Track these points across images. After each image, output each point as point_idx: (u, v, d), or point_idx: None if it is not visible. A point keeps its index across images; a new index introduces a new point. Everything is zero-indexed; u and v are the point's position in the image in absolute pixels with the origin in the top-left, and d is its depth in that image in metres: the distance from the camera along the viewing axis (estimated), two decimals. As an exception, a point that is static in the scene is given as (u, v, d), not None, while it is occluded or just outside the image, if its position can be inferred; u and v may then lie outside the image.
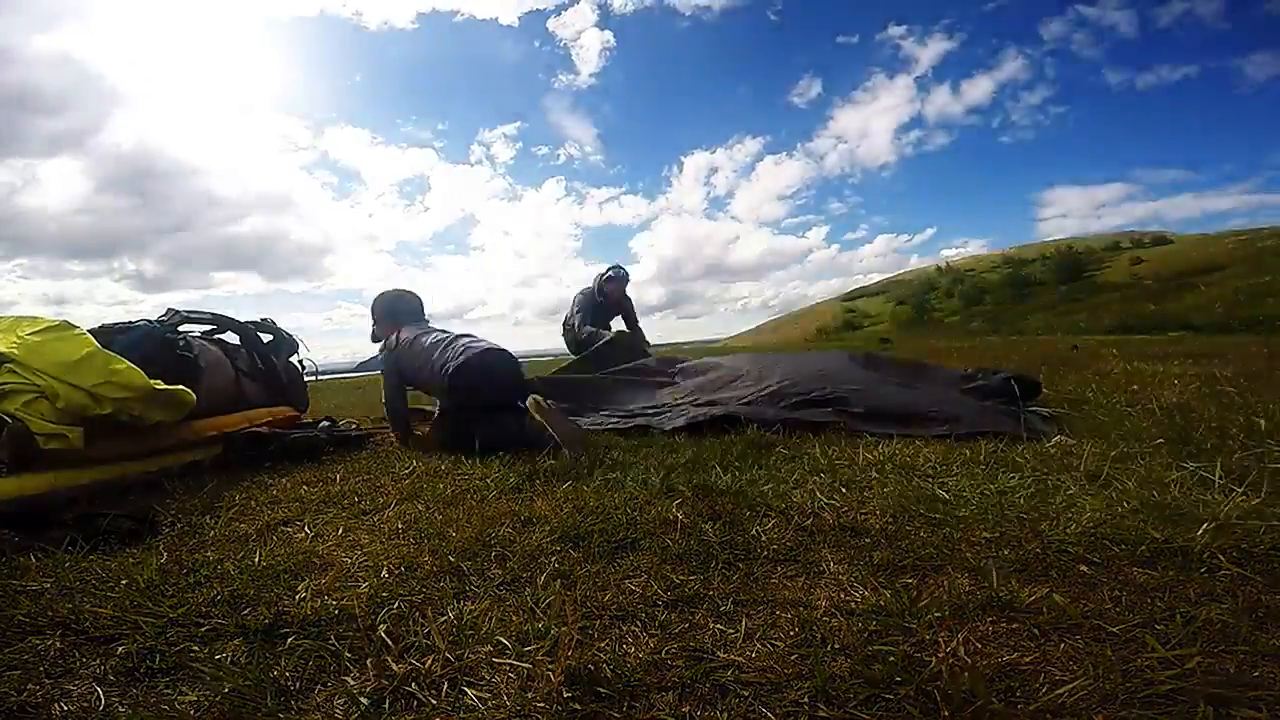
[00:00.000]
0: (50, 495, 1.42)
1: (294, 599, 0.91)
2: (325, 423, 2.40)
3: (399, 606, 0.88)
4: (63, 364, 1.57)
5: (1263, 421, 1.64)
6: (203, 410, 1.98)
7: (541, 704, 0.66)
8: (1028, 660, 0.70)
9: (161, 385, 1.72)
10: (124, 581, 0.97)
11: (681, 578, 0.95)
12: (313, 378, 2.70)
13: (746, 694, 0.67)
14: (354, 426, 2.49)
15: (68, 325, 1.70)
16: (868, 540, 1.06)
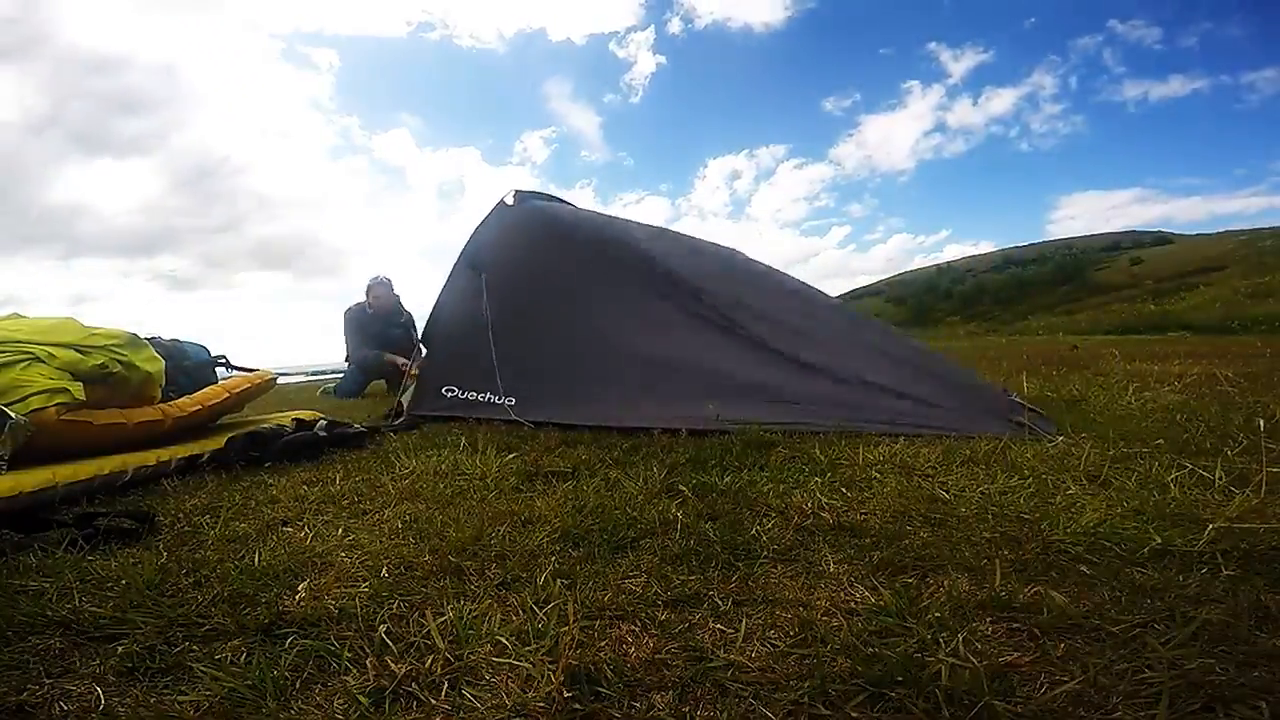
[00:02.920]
0: (50, 491, 1.43)
1: (294, 599, 0.91)
2: (324, 422, 2.41)
3: (399, 606, 0.88)
4: (42, 329, 1.68)
5: (1263, 422, 1.64)
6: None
7: (541, 704, 0.66)
8: (1028, 660, 0.70)
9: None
10: (124, 581, 0.97)
11: (681, 578, 0.95)
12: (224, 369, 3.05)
13: (746, 694, 0.67)
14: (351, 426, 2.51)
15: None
16: (868, 540, 1.06)
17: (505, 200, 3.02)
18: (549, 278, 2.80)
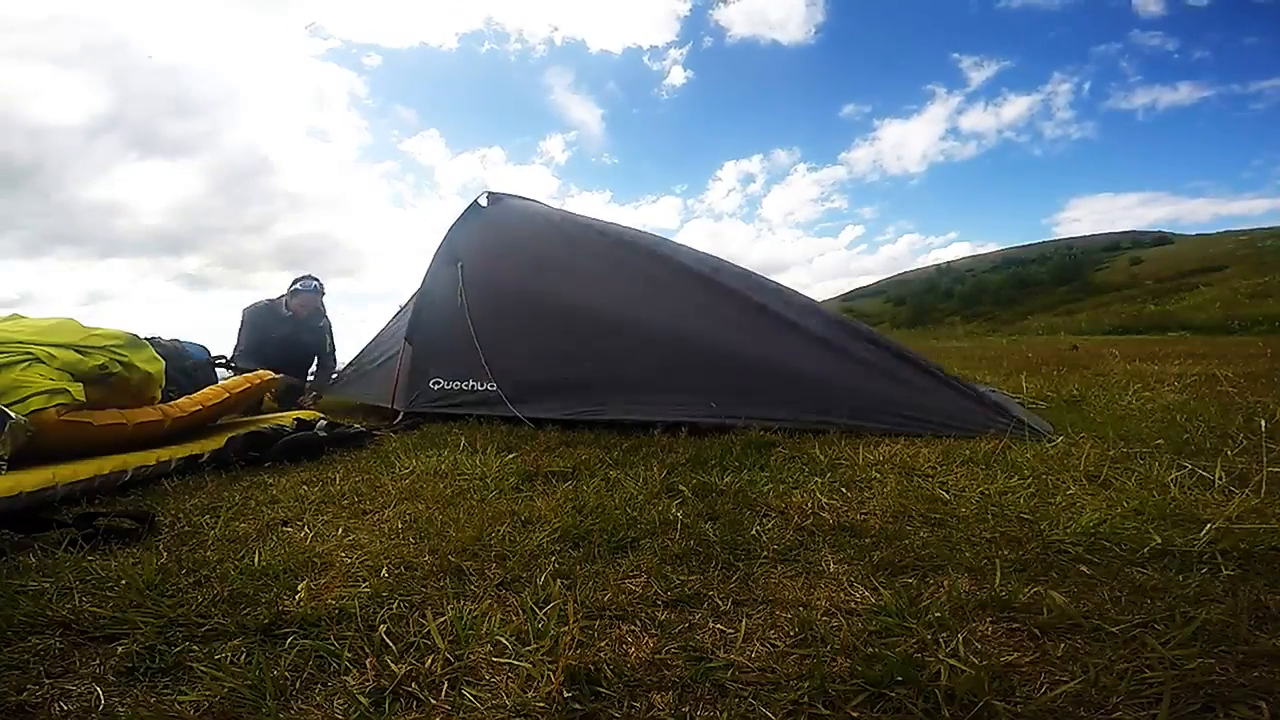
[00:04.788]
0: (50, 491, 1.43)
1: (294, 599, 0.91)
2: (324, 422, 2.41)
3: (399, 606, 0.88)
4: (42, 330, 1.68)
5: (1263, 422, 1.64)
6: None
7: (541, 704, 0.66)
8: (1028, 660, 0.70)
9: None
10: (124, 581, 0.97)
11: (681, 578, 0.95)
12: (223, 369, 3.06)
13: (746, 694, 0.67)
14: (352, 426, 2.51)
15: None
16: (868, 540, 1.06)
17: (479, 201, 3.05)
18: (525, 258, 2.82)
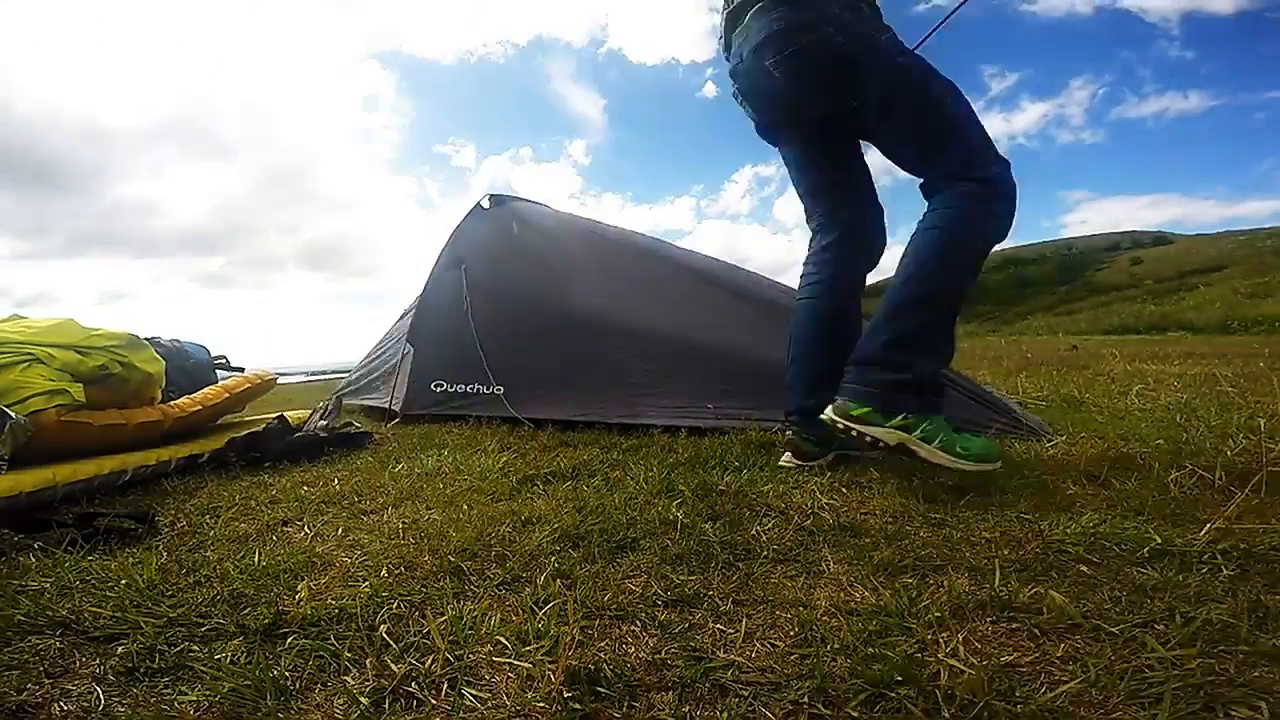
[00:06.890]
0: (50, 491, 1.43)
1: (294, 599, 0.91)
2: (324, 422, 2.40)
3: (399, 606, 0.88)
4: (42, 330, 1.67)
5: (1263, 421, 1.64)
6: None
7: (541, 704, 0.66)
8: (1028, 660, 0.70)
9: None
10: (124, 581, 0.97)
11: (681, 578, 0.95)
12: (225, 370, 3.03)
13: (746, 694, 0.67)
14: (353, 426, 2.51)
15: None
16: (868, 540, 1.06)
17: (481, 204, 3.06)
18: (526, 261, 2.83)
